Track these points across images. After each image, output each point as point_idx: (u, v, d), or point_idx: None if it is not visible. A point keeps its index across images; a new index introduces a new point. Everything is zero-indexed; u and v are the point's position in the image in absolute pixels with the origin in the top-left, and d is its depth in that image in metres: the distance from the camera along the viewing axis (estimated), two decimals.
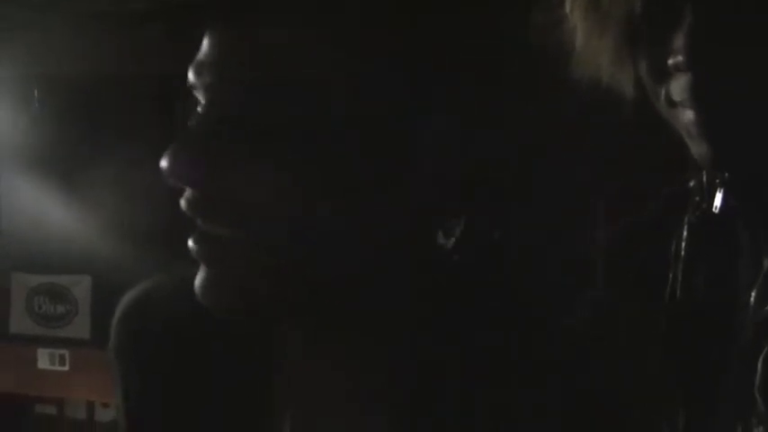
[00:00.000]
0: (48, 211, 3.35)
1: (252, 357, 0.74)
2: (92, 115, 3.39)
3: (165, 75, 3.39)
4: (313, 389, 0.72)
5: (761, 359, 0.70)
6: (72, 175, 3.36)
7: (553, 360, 0.70)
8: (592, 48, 0.72)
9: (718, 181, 0.75)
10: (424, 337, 0.69)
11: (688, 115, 0.69)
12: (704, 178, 0.77)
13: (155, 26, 3.18)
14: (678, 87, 0.69)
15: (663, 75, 0.70)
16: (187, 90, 0.70)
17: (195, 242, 0.68)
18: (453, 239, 0.70)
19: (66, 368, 3.43)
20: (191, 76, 0.68)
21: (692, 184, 0.79)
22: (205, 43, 0.68)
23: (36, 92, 3.42)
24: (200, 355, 0.76)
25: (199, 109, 0.68)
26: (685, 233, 0.78)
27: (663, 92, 0.70)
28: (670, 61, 0.68)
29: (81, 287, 3.46)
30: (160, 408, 0.78)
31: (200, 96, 0.67)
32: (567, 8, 0.73)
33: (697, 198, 0.78)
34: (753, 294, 0.74)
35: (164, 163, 0.67)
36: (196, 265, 0.70)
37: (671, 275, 0.78)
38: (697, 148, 0.71)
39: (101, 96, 3.41)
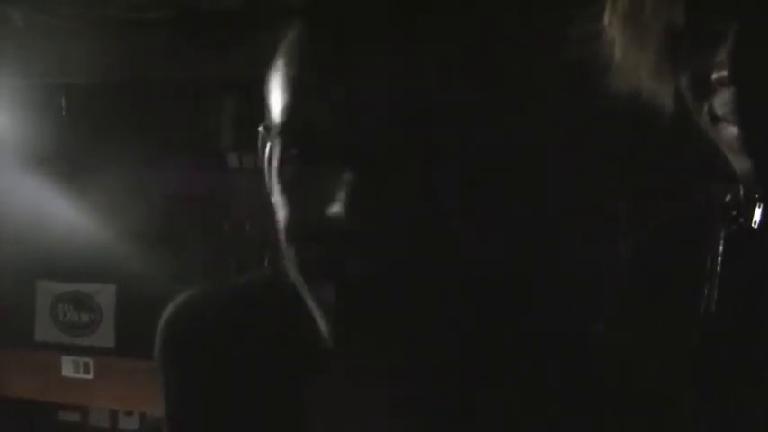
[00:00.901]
0: (73, 219, 3.37)
1: (294, 366, 0.75)
2: (118, 122, 3.42)
3: (190, 80, 3.42)
4: (348, 399, 0.73)
5: None
6: (97, 183, 3.39)
7: (580, 370, 0.70)
8: (631, 60, 0.71)
9: (757, 196, 0.74)
10: (451, 342, 0.71)
11: (731, 131, 0.68)
12: (741, 192, 0.76)
13: (173, 32, 3.20)
14: (721, 102, 0.68)
15: (705, 89, 0.69)
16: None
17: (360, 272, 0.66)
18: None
19: (90, 376, 3.44)
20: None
21: (728, 198, 0.78)
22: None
23: (63, 98, 3.45)
24: (244, 363, 0.77)
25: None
26: (721, 248, 0.77)
27: (705, 106, 0.70)
28: (714, 76, 0.67)
29: (105, 295, 3.47)
30: (204, 415, 0.80)
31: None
32: (606, 21, 0.72)
33: (734, 212, 0.77)
34: None
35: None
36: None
37: (706, 290, 0.77)
38: (740, 164, 0.70)
39: (126, 103, 3.43)
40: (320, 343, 0.73)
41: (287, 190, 0.70)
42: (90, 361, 3.44)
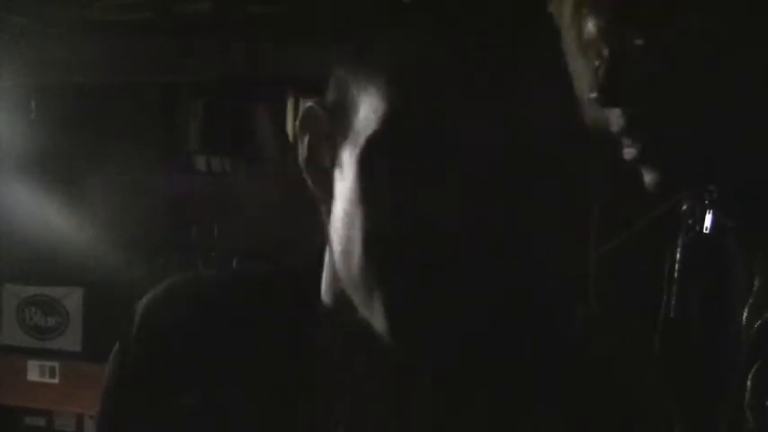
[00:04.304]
0: (39, 221, 3.35)
1: (292, 368, 0.74)
2: (86, 125, 3.40)
3: (159, 84, 3.42)
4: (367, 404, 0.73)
5: (750, 376, 0.72)
6: (64, 185, 3.37)
7: (550, 375, 0.72)
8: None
9: (707, 202, 0.77)
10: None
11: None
12: (695, 200, 0.79)
13: (152, 36, 3.20)
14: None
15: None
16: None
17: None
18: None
19: (57, 380, 3.42)
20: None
21: (684, 207, 0.81)
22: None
23: (32, 101, 3.43)
24: (229, 356, 0.75)
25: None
26: (678, 254, 0.80)
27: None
28: (591, 95, 0.70)
29: (72, 299, 3.45)
30: (191, 412, 0.77)
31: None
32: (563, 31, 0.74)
33: (690, 221, 0.80)
34: (745, 313, 0.76)
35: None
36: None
37: (664, 296, 0.80)
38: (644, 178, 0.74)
39: (95, 106, 3.42)
40: (323, 343, 0.73)
41: (379, 185, 0.67)
42: (56, 365, 3.42)
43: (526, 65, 0.66)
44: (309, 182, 0.74)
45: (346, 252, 0.69)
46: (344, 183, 0.69)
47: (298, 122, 0.75)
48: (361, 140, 0.67)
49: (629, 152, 0.72)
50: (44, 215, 3.35)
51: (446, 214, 0.64)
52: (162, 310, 0.79)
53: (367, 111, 0.67)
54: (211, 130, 3.33)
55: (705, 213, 0.77)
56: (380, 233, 0.67)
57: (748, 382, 0.71)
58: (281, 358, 0.74)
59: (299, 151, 0.75)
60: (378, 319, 0.67)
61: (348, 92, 0.70)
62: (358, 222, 0.67)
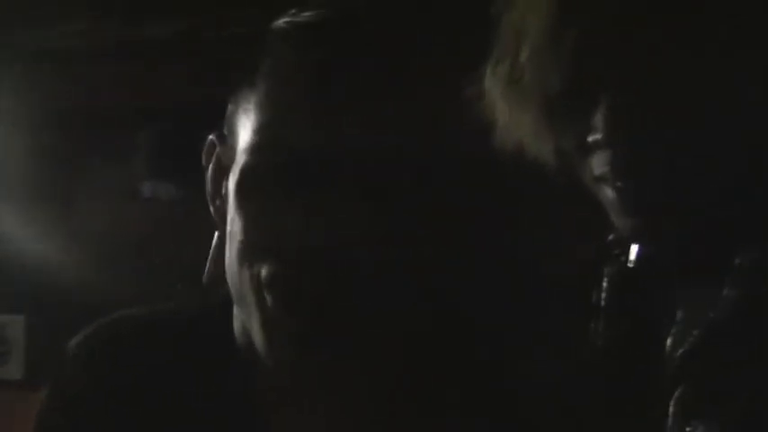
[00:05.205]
0: None
1: (230, 402, 0.76)
2: (34, 151, 3.36)
3: (117, 108, 3.38)
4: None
5: (672, 402, 0.74)
6: (6, 211, 3.32)
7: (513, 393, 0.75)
8: (512, 122, 0.75)
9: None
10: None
11: (608, 191, 0.72)
12: (621, 233, 0.81)
13: (116, 60, 3.18)
14: (598, 163, 0.72)
15: (584, 150, 0.72)
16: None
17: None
18: None
19: None
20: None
21: (610, 237, 0.83)
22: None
23: None
24: (175, 393, 0.77)
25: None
26: (605, 284, 0.82)
27: (586, 166, 0.73)
28: (589, 138, 0.71)
29: (14, 327, 3.39)
30: None
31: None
32: (486, 84, 0.75)
33: (616, 251, 0.82)
34: (669, 341, 0.78)
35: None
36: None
37: (592, 325, 0.82)
38: (618, 222, 0.74)
39: (42, 132, 3.38)
40: (259, 375, 0.74)
41: (249, 204, 0.72)
42: None
43: (390, 89, 0.70)
44: (212, 211, 0.78)
45: (230, 275, 0.73)
46: (230, 210, 0.73)
47: (203, 155, 0.79)
48: (237, 170, 0.71)
49: (609, 194, 0.72)
50: None
51: (308, 234, 0.68)
52: (90, 353, 0.81)
53: (243, 142, 0.72)
54: (158, 155, 3.31)
55: (631, 245, 0.80)
56: (252, 253, 0.71)
57: (671, 408, 0.74)
58: (205, 396, 0.76)
59: (205, 182, 0.79)
60: (256, 338, 0.70)
61: (233, 124, 0.74)
62: (236, 245, 0.72)
